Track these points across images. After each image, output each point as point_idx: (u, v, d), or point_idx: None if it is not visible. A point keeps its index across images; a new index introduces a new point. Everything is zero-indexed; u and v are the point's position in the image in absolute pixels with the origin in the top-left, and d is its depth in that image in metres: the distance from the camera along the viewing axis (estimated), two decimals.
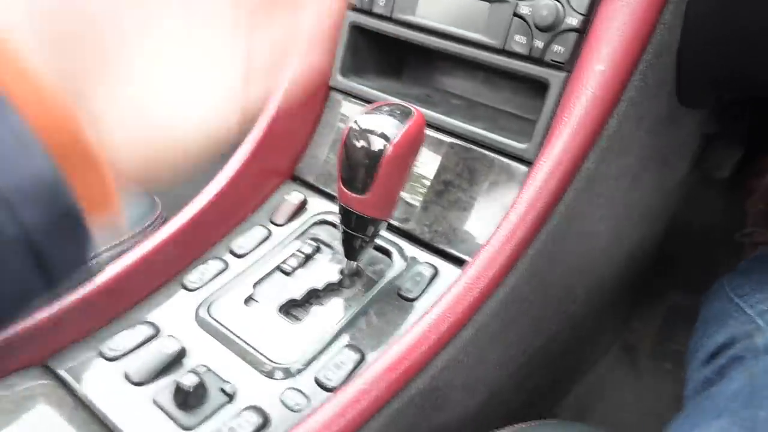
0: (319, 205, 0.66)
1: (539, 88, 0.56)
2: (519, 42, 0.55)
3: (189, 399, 0.44)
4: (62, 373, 0.48)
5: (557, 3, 0.51)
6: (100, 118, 0.23)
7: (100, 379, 0.47)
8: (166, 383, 0.46)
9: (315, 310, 0.54)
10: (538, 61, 0.54)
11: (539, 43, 0.53)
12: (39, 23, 0.22)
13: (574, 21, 0.51)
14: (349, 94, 0.69)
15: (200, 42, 0.26)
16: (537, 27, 0.53)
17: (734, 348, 0.53)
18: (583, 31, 0.51)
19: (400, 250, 0.60)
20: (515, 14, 0.54)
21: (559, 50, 0.52)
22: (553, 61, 0.53)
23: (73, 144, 0.21)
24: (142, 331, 0.51)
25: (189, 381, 0.44)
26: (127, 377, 0.47)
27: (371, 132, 0.46)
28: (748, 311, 0.56)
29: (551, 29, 0.52)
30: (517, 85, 0.66)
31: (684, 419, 0.48)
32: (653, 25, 0.49)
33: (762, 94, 0.68)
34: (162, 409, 0.45)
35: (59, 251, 0.22)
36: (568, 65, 0.53)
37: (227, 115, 0.27)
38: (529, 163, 0.56)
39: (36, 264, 0.22)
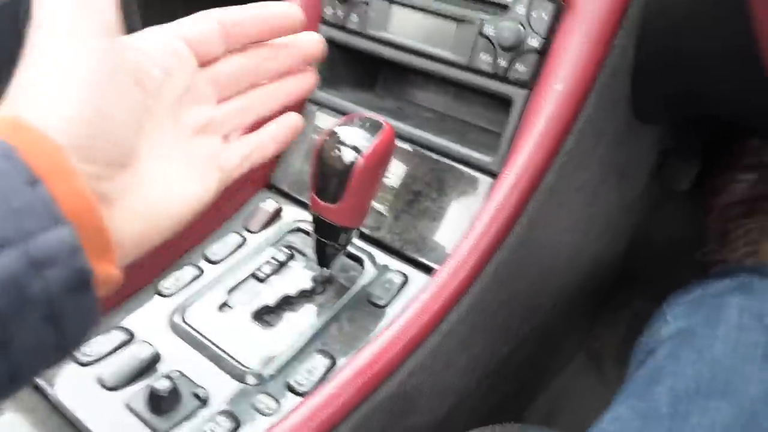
0: (293, 213, 0.68)
1: (504, 103, 0.59)
2: (484, 60, 0.57)
3: (162, 404, 0.45)
4: (37, 379, 0.48)
5: (519, 25, 0.54)
6: (114, 200, 0.31)
7: (73, 384, 0.47)
8: (140, 388, 0.47)
9: (288, 316, 0.56)
10: (503, 79, 0.57)
11: (503, 62, 0.56)
12: (79, 132, 0.28)
13: (534, 42, 0.54)
14: (324, 105, 0.71)
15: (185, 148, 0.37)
16: (501, 47, 0.56)
17: (648, 344, 0.58)
18: (543, 53, 0.54)
19: (372, 258, 0.62)
20: (480, 34, 0.57)
21: (521, 69, 0.55)
22: (516, 79, 0.56)
23: (89, 218, 0.27)
24: (116, 337, 0.51)
25: (162, 386, 0.45)
26: (100, 382, 0.47)
27: (343, 144, 0.48)
28: (665, 310, 0.61)
29: (513, 49, 0.55)
30: (484, 100, 0.69)
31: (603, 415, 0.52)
32: (608, 48, 0.52)
33: (714, 112, 0.73)
34: (135, 413, 0.45)
35: (73, 307, 0.26)
36: (530, 83, 0.55)
37: (209, 193, 0.39)
38: (494, 175, 0.59)
39: (52, 320, 0.25)
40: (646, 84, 0.58)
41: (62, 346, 0.27)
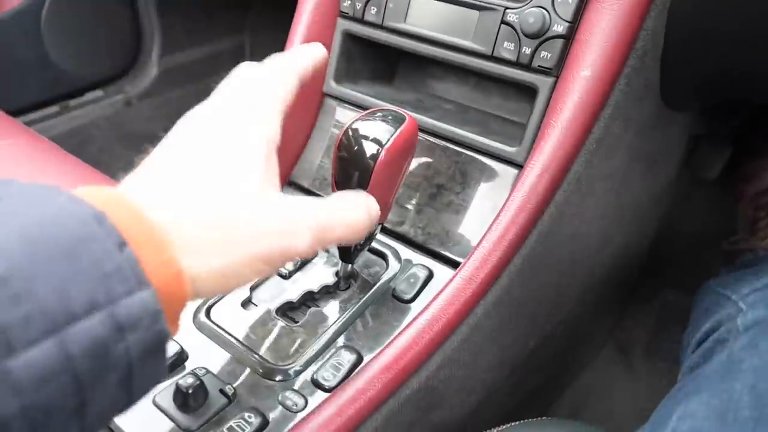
0: None
1: (529, 92, 0.58)
2: (507, 48, 0.56)
3: (189, 400, 0.45)
4: None
5: (544, 11, 0.53)
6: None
7: None
8: (166, 385, 0.47)
9: (312, 312, 0.55)
10: (527, 67, 0.56)
11: (527, 50, 0.55)
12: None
13: (560, 28, 0.52)
14: (342, 100, 0.70)
15: None
16: (524, 34, 0.54)
17: (718, 332, 0.55)
18: (569, 38, 0.53)
19: (395, 253, 0.61)
20: (503, 21, 0.56)
21: (546, 56, 0.54)
22: (540, 67, 0.55)
23: (173, 285, 0.28)
24: None
25: (188, 382, 0.45)
26: None
27: (365, 137, 0.47)
28: (733, 297, 0.58)
29: (538, 36, 0.53)
30: (507, 89, 0.67)
31: (666, 401, 0.49)
32: (636, 32, 0.51)
33: (744, 96, 0.70)
34: (162, 410, 0.46)
35: (146, 369, 0.27)
36: (555, 71, 0.54)
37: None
38: (519, 166, 0.58)
39: (126, 383, 0.26)
40: (677, 68, 0.56)
41: (128, 405, 0.28)
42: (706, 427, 0.44)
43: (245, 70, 0.41)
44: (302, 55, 0.44)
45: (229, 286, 0.33)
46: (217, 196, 0.32)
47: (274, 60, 0.42)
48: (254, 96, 0.38)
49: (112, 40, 1.34)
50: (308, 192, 0.70)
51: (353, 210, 0.40)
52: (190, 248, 0.30)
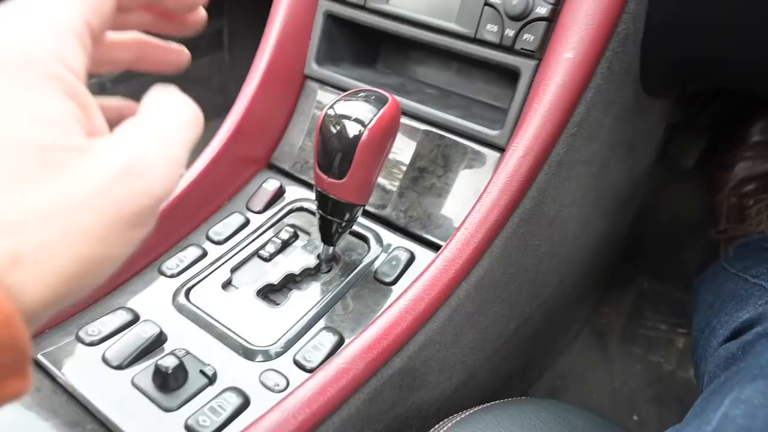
0: (295, 193, 0.67)
1: (511, 77, 0.58)
2: (490, 31, 0.56)
3: (168, 381, 0.44)
4: (40, 357, 0.48)
5: None
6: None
7: (78, 363, 0.47)
8: (146, 366, 0.46)
9: (293, 294, 0.55)
10: (509, 50, 0.56)
11: (510, 32, 0.55)
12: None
13: (543, 10, 0.53)
14: (324, 82, 0.69)
15: None
16: (508, 16, 0.54)
17: (761, 325, 0.53)
18: (552, 20, 0.53)
19: (377, 236, 0.61)
20: (486, 3, 0.56)
21: (529, 39, 0.54)
22: (523, 49, 0.55)
23: (3, 335, 0.22)
24: (121, 317, 0.51)
25: (168, 362, 0.44)
26: (105, 361, 0.47)
27: (347, 117, 0.47)
28: (766, 285, 0.57)
29: (521, 18, 0.53)
30: (489, 74, 0.67)
31: (712, 393, 0.47)
32: (618, 14, 0.51)
33: (723, 84, 0.71)
34: (142, 391, 0.45)
35: None
36: (538, 53, 0.54)
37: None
38: (501, 149, 0.58)
39: None
40: (656, 52, 0.56)
41: None
42: (761, 413, 0.42)
43: None
44: None
45: (100, 278, 0.27)
46: (15, 177, 0.24)
47: None
48: (32, 12, 0.28)
49: None
50: (289, 175, 0.69)
51: (179, 105, 0.31)
52: (11, 267, 0.23)
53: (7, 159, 0.24)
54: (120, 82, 1.37)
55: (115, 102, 0.36)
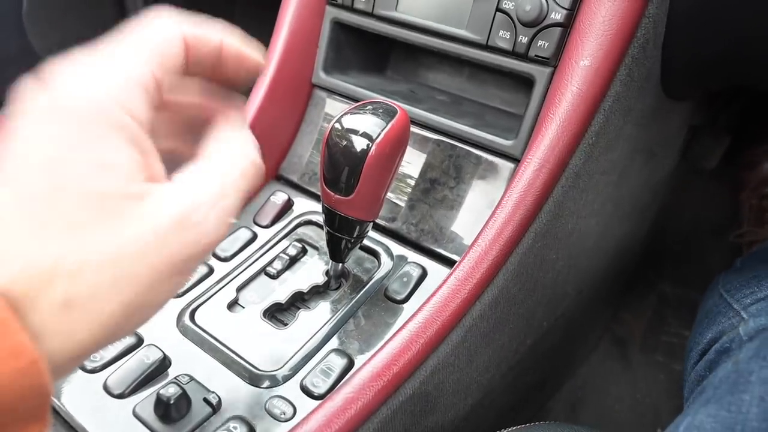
0: (304, 205, 0.65)
1: (525, 82, 0.56)
2: (503, 37, 0.54)
3: (170, 411, 0.43)
4: None
5: None
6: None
7: (79, 391, 0.46)
8: (147, 394, 0.45)
9: (301, 314, 0.53)
10: (523, 57, 0.53)
11: (523, 39, 0.52)
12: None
13: (558, 16, 0.50)
14: (332, 91, 0.68)
15: None
16: (521, 22, 0.52)
17: (720, 342, 0.53)
18: (567, 26, 0.50)
19: (387, 250, 0.59)
20: (498, 9, 0.53)
21: (543, 45, 0.51)
22: (537, 56, 0.52)
23: (26, 380, 0.23)
24: (124, 341, 0.49)
25: (170, 392, 0.43)
26: (107, 389, 0.45)
27: (354, 131, 0.45)
28: (735, 306, 0.56)
29: (535, 24, 0.51)
30: (502, 79, 0.65)
31: (679, 417, 0.48)
32: (638, 19, 0.48)
33: (747, 83, 0.68)
34: (143, 422, 0.43)
35: None
36: (553, 60, 0.52)
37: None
38: (516, 160, 0.56)
39: None
40: (679, 56, 0.53)
41: None
42: None
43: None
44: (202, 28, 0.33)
45: (138, 324, 0.28)
46: (76, 223, 0.25)
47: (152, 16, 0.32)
48: (103, 63, 0.29)
49: (96, 31, 1.30)
50: (297, 187, 0.67)
51: (240, 154, 0.32)
52: (45, 308, 0.24)
53: (70, 206, 0.25)
54: None
55: (171, 144, 0.36)
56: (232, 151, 0.31)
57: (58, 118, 0.26)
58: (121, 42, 0.30)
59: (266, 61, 0.69)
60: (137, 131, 0.28)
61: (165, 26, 0.31)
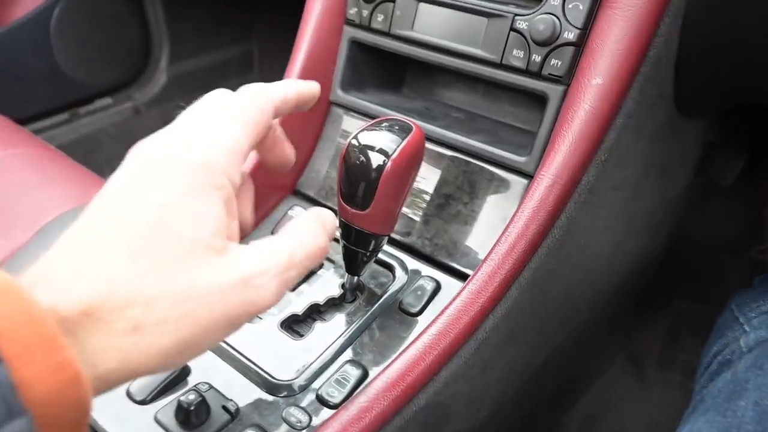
0: None
1: (539, 99, 0.57)
2: (516, 56, 0.55)
3: (191, 417, 0.44)
4: None
5: (554, 17, 0.51)
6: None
7: (101, 397, 0.47)
8: (168, 401, 0.46)
9: (317, 325, 0.54)
10: (536, 75, 0.54)
11: (537, 58, 0.53)
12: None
13: (570, 35, 0.51)
14: (349, 108, 0.69)
15: None
16: (534, 41, 0.53)
17: (722, 354, 0.54)
18: (579, 45, 0.51)
19: (402, 264, 0.60)
20: (512, 29, 0.55)
21: (556, 64, 0.52)
22: (550, 75, 0.53)
23: (70, 394, 0.25)
24: None
25: (190, 399, 0.44)
26: (129, 396, 0.47)
27: (370, 148, 0.46)
28: (741, 319, 0.57)
29: (548, 43, 0.52)
30: (517, 97, 0.66)
31: (679, 426, 0.48)
32: (650, 38, 0.49)
33: (760, 100, 0.68)
34: (164, 426, 0.45)
35: None
36: (566, 79, 0.53)
37: None
38: (529, 176, 0.57)
39: None
40: (693, 74, 0.54)
41: None
42: None
43: (212, 95, 0.37)
44: (284, 86, 0.40)
45: (183, 361, 0.31)
46: (165, 261, 0.28)
47: (250, 86, 0.38)
48: (215, 126, 0.33)
49: (121, 47, 1.35)
50: (315, 201, 0.69)
51: (311, 238, 0.36)
52: (117, 328, 0.27)
53: (164, 245, 0.28)
54: (152, 106, 1.40)
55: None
56: (305, 233, 0.36)
57: (171, 169, 0.30)
58: (224, 109, 0.35)
59: (285, 78, 0.71)
60: (230, 194, 0.32)
61: (261, 98, 0.37)
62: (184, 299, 0.28)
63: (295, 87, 0.40)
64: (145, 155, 0.32)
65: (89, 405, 0.26)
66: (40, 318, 0.24)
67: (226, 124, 0.34)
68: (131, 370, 0.28)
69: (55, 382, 0.24)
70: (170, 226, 0.29)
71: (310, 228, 0.37)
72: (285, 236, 0.35)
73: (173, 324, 0.28)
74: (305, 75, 0.68)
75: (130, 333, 0.27)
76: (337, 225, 0.40)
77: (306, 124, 0.70)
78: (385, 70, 0.72)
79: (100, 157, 1.28)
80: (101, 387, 0.27)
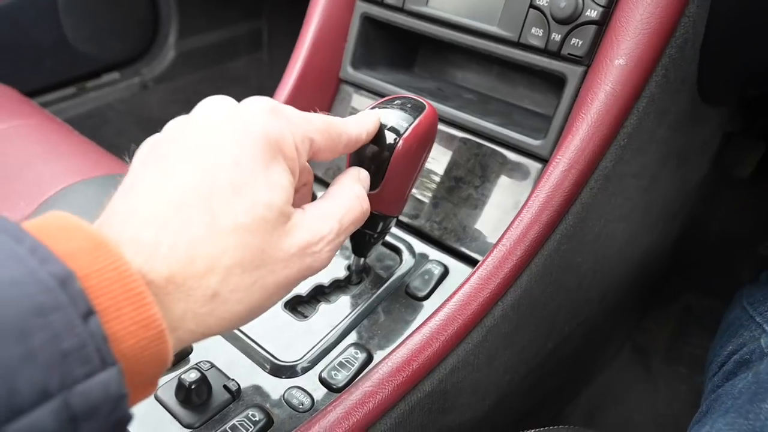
0: None
1: (556, 82, 0.55)
2: (535, 35, 0.53)
3: (191, 396, 0.43)
4: None
5: None
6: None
7: None
8: (169, 379, 0.45)
9: (322, 307, 0.53)
10: (555, 55, 0.52)
11: (556, 36, 0.51)
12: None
13: (593, 13, 0.49)
14: (359, 86, 0.68)
15: None
16: (554, 19, 0.51)
17: (740, 353, 0.52)
18: (602, 24, 0.49)
19: (410, 247, 0.58)
20: (532, 6, 0.52)
21: (577, 43, 0.50)
22: (570, 54, 0.51)
23: (153, 348, 0.25)
24: None
25: (191, 377, 0.43)
26: None
27: (382, 126, 0.45)
28: (758, 319, 0.55)
29: (569, 22, 0.50)
30: (532, 79, 0.64)
31: (694, 425, 0.47)
32: (677, 18, 0.47)
33: None
34: (163, 405, 0.44)
35: None
36: (587, 59, 0.51)
37: None
38: (544, 160, 0.55)
39: None
40: (719, 59, 0.52)
41: None
42: None
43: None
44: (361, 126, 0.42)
45: (246, 323, 0.32)
46: (241, 226, 0.29)
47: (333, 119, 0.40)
48: (289, 112, 0.35)
49: (129, 22, 1.33)
50: (322, 182, 0.67)
51: (357, 203, 0.38)
52: (196, 296, 0.28)
53: (242, 209, 0.29)
54: (160, 82, 1.39)
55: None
56: (352, 198, 0.38)
57: (247, 137, 0.31)
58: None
59: (294, 55, 0.69)
60: (296, 166, 0.33)
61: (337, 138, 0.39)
62: (256, 266, 0.30)
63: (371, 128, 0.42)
64: (220, 124, 0.32)
65: (169, 362, 0.27)
66: (128, 275, 0.25)
67: (301, 114, 0.36)
68: (204, 333, 0.29)
69: (142, 338, 0.25)
70: (247, 188, 0.30)
71: (355, 192, 0.39)
72: (334, 202, 0.37)
73: (245, 291, 0.29)
74: (315, 51, 0.67)
75: (209, 300, 0.28)
76: (366, 196, 0.41)
77: (314, 102, 0.69)
78: (397, 47, 0.70)
79: (108, 132, 1.27)
80: (176, 346, 0.28)
